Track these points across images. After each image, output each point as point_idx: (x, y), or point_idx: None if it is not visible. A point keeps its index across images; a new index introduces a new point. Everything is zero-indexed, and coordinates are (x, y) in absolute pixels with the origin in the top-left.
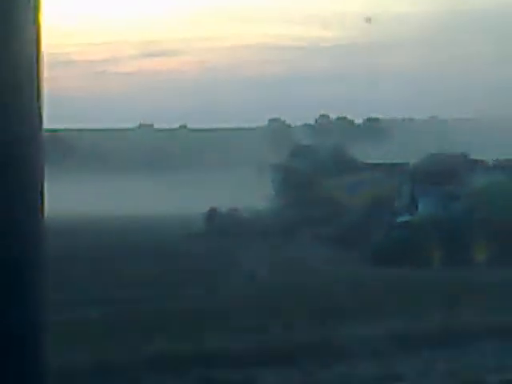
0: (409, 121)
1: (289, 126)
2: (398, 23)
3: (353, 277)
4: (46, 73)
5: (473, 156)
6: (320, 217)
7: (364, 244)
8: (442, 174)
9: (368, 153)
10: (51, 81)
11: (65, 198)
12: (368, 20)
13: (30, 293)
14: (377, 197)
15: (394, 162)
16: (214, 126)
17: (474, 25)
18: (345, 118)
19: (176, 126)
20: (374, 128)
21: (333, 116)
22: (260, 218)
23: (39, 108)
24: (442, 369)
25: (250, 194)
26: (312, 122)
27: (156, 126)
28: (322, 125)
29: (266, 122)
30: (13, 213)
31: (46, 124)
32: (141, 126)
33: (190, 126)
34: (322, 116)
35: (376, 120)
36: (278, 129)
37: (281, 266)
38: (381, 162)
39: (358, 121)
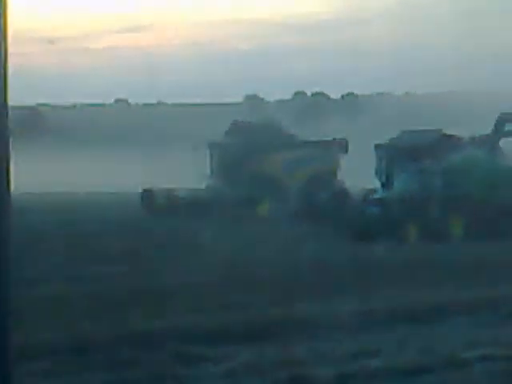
0: (386, 96)
1: (265, 102)
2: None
3: (326, 253)
4: (18, 49)
5: (449, 132)
6: (258, 195)
7: (326, 221)
8: (418, 150)
9: (344, 128)
10: (24, 57)
11: (35, 174)
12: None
13: None
14: (314, 174)
15: (332, 138)
16: (191, 101)
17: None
18: (321, 93)
19: (152, 101)
20: (350, 103)
21: (309, 92)
22: (198, 197)
23: (4, 84)
24: (418, 345)
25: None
26: (289, 98)
27: (131, 101)
28: (298, 101)
29: (242, 99)
30: None
31: (20, 100)
32: (116, 101)
33: (166, 101)
34: (298, 92)
35: (353, 95)
36: (254, 105)
37: (247, 244)
38: (318, 139)
39: (335, 96)
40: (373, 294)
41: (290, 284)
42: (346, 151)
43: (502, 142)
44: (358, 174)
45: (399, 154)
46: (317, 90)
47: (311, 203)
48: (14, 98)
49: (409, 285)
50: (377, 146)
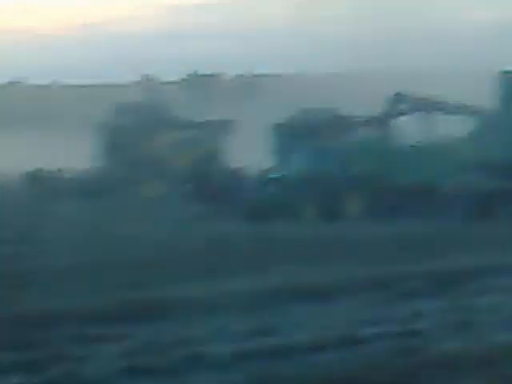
0: (279, 77)
1: (160, 83)
2: None
3: (223, 233)
4: None
5: (343, 112)
6: (145, 176)
7: (225, 201)
8: (313, 129)
9: (239, 108)
10: None
11: None
12: None
13: None
14: (199, 154)
15: (220, 118)
16: (85, 82)
17: None
18: (214, 74)
19: (47, 82)
20: (244, 84)
21: (202, 72)
22: (84, 178)
23: None
24: (315, 322)
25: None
26: (183, 78)
27: (29, 81)
28: (192, 81)
29: (138, 79)
30: None
31: None
32: (10, 83)
33: (62, 82)
34: (192, 73)
35: (246, 76)
36: (148, 86)
37: (137, 224)
38: (202, 120)
39: (229, 77)
40: (269, 272)
41: (187, 263)
42: (231, 132)
43: (396, 122)
44: (255, 154)
45: (295, 133)
46: (211, 70)
47: (200, 183)
48: None
49: (305, 263)
50: (273, 126)
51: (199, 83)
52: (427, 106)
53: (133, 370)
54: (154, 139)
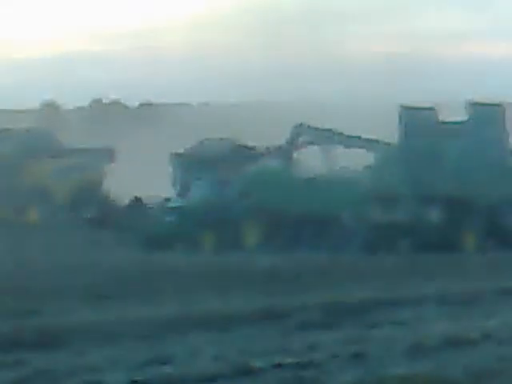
0: (184, 106)
1: (62, 109)
2: (173, 7)
3: (121, 261)
4: None
5: (244, 142)
6: (28, 202)
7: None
8: (214, 159)
9: (142, 138)
10: None
11: None
12: None
13: None
14: (83, 181)
15: (100, 146)
16: None
17: (244, 12)
18: (119, 102)
19: None
20: (148, 113)
21: (106, 100)
22: None
23: None
24: (211, 352)
25: None
26: (86, 105)
27: None
28: (95, 108)
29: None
30: None
31: None
32: None
33: None
34: (96, 100)
35: (150, 105)
36: (50, 112)
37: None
38: (86, 147)
39: (133, 105)
40: (167, 301)
41: (82, 290)
42: (113, 159)
43: (297, 153)
44: (155, 183)
45: (195, 163)
46: (114, 97)
47: (99, 211)
48: None
49: (202, 293)
50: (173, 155)
51: (103, 110)
52: (329, 138)
53: None
54: (35, 166)
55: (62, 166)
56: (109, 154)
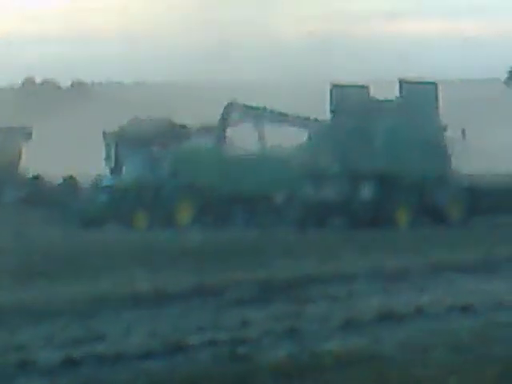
0: (117, 85)
1: None
2: None
3: (53, 240)
4: None
5: (177, 121)
6: None
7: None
8: (147, 138)
9: (74, 116)
10: None
11: None
12: None
13: None
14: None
15: (17, 125)
16: None
17: None
18: (51, 81)
19: None
20: (80, 92)
21: (39, 79)
22: None
23: None
24: (144, 329)
25: None
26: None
27: None
28: (27, 88)
29: None
30: None
31: None
32: None
33: None
34: (28, 79)
35: (83, 84)
36: None
37: None
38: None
39: (65, 84)
40: (99, 278)
41: (15, 268)
42: (29, 138)
43: (229, 132)
44: (88, 162)
45: (128, 142)
46: (46, 77)
47: (32, 190)
48: None
49: (135, 270)
50: (105, 134)
51: (35, 89)
52: (261, 116)
53: None
54: None
55: None
56: (24, 133)
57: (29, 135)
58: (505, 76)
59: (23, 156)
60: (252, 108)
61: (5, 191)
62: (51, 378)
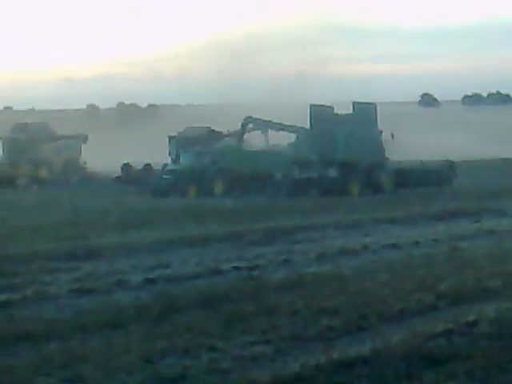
0: (175, 106)
1: (100, 109)
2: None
3: (137, 204)
4: None
5: (214, 128)
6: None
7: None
8: (196, 139)
9: (153, 127)
10: None
11: None
12: None
13: None
14: (67, 155)
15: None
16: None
17: (210, 45)
18: (134, 104)
19: None
20: (153, 111)
21: (127, 102)
22: None
23: None
24: (195, 261)
25: None
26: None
27: None
28: (120, 108)
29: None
30: None
31: None
32: None
33: None
34: (120, 103)
35: (154, 105)
36: (91, 110)
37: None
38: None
39: (143, 105)
40: (166, 228)
41: (114, 222)
42: (86, 141)
43: (248, 136)
44: (159, 155)
45: (184, 142)
46: (132, 101)
47: (124, 172)
48: None
49: (187, 222)
50: (170, 137)
51: (124, 109)
52: (266, 125)
53: (79, 291)
54: (40, 145)
55: (55, 145)
56: (82, 138)
57: (85, 139)
58: (418, 99)
59: (82, 152)
60: (260, 120)
61: (71, 177)
62: (137, 291)
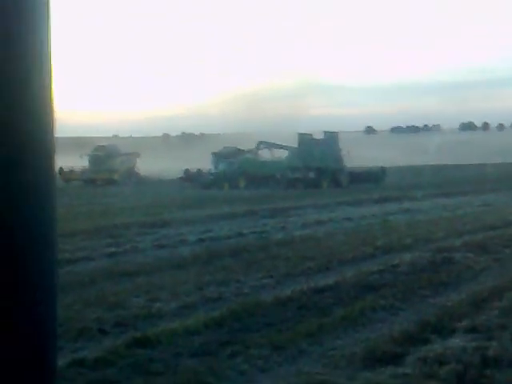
0: (218, 135)
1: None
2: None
3: (191, 194)
4: None
5: (241, 147)
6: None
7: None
8: (228, 154)
9: (200, 148)
10: None
11: None
12: None
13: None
14: (127, 166)
15: (134, 152)
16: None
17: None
18: (184, 133)
19: None
20: (200, 137)
21: (173, 133)
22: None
23: (51, 107)
24: (227, 227)
25: None
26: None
27: None
28: (184, 137)
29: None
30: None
31: None
32: None
33: None
34: (165, 134)
35: (203, 134)
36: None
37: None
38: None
39: (191, 133)
40: (209, 208)
41: (182, 204)
42: (139, 157)
43: (260, 152)
44: (206, 164)
45: (221, 156)
46: (179, 131)
47: (186, 173)
48: None
49: (222, 204)
50: (213, 153)
51: (186, 136)
52: (271, 145)
53: (158, 246)
54: (112, 160)
55: (121, 159)
56: (136, 155)
57: (139, 155)
58: (363, 129)
59: (136, 164)
60: (268, 142)
61: (130, 179)
62: (193, 246)
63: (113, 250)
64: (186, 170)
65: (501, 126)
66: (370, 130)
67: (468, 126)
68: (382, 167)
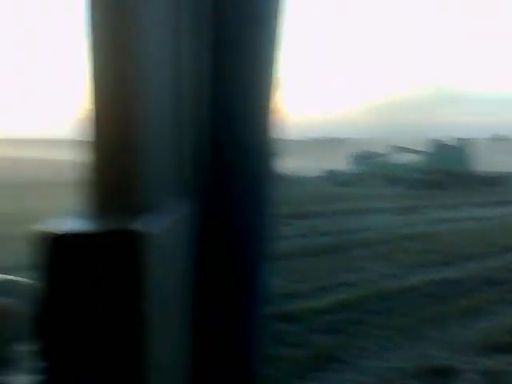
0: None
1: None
2: None
3: (329, 190)
4: None
5: (376, 151)
6: None
7: None
8: (365, 157)
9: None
10: None
11: None
12: None
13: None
14: None
15: None
16: None
17: None
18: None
19: None
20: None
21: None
22: None
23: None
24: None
25: None
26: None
27: None
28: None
29: None
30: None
31: None
32: None
33: None
34: None
35: (335, 138)
36: None
37: None
38: None
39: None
40: (347, 204)
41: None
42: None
43: (393, 155)
44: (342, 165)
45: (359, 158)
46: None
47: None
48: None
49: (366, 201)
50: (352, 156)
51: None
52: (404, 150)
53: (305, 235)
54: None
55: None
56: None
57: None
58: (491, 136)
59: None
60: (401, 147)
61: None
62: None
63: None
64: (328, 170)
65: None
66: (498, 138)
67: None
68: (510, 172)
